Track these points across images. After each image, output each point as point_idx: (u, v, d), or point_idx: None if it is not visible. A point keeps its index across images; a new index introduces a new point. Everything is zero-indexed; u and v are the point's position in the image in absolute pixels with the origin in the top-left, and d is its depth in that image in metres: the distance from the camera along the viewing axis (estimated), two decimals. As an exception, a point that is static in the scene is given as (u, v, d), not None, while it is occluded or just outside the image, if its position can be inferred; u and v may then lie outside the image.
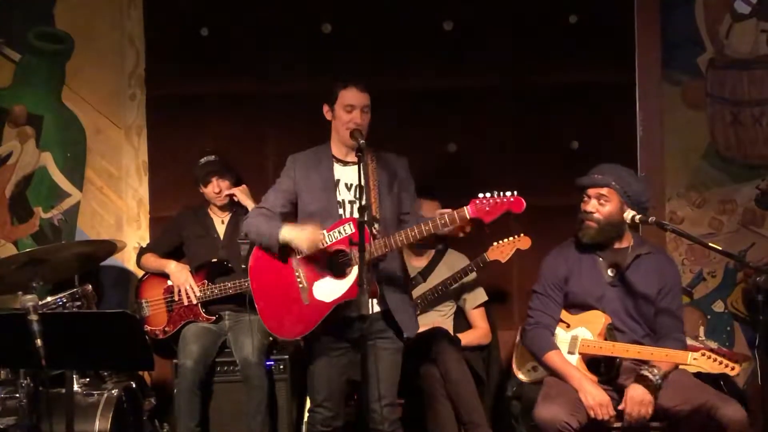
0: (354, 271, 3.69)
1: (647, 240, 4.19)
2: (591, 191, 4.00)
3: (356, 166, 3.81)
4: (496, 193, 3.69)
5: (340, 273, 3.78)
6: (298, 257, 3.79)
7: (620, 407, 3.89)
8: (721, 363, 3.76)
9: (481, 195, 3.69)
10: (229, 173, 4.78)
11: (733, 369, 3.77)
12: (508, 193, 3.68)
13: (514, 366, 4.33)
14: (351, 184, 3.84)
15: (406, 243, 3.75)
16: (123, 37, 5.20)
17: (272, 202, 3.93)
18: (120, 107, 5.23)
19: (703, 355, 3.78)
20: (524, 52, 5.20)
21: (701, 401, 3.82)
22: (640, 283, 4.04)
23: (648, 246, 4.14)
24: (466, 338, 4.71)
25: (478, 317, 4.83)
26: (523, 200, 3.68)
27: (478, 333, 4.80)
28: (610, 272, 4.07)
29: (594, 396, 3.86)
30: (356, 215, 3.54)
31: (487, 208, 3.67)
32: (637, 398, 3.83)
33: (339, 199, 3.86)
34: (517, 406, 4.01)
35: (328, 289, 3.78)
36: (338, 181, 3.86)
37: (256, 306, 3.86)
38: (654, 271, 4.07)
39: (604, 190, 3.98)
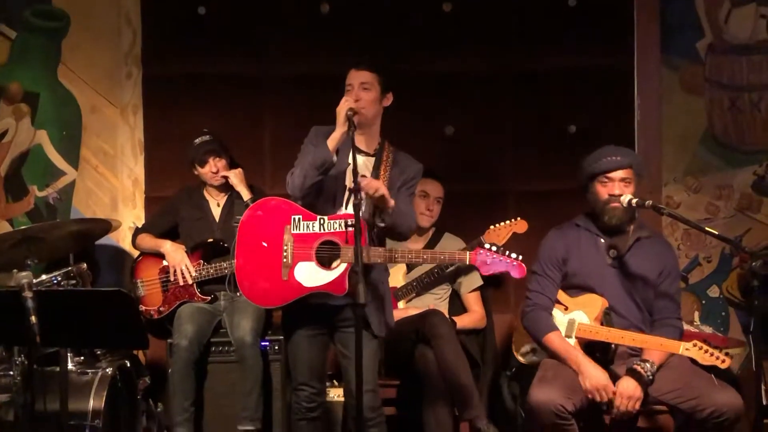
0: (340, 267, 3.71)
1: (646, 223, 4.19)
2: (614, 175, 3.99)
3: (366, 156, 3.87)
4: (501, 249, 3.78)
5: (325, 263, 3.77)
6: (293, 232, 3.78)
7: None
8: (712, 355, 3.76)
9: (487, 246, 3.79)
10: (225, 153, 4.77)
11: (723, 362, 3.77)
12: (513, 255, 3.77)
13: (513, 348, 4.35)
14: (357, 173, 3.80)
15: (404, 261, 3.82)
16: (120, 15, 5.17)
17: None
18: (116, 86, 5.20)
19: (695, 345, 3.78)
20: (523, 34, 5.17)
21: (697, 387, 3.83)
22: (640, 265, 4.05)
23: (648, 230, 4.16)
24: (461, 322, 4.71)
25: (473, 301, 4.84)
26: (525, 268, 3.79)
27: (473, 317, 4.80)
28: (610, 254, 4.08)
29: (594, 378, 3.86)
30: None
31: (488, 262, 3.77)
32: (627, 393, 3.83)
33: (347, 184, 3.83)
34: (515, 387, 4.01)
35: (310, 275, 3.77)
36: (348, 165, 3.81)
37: (235, 261, 3.84)
38: (654, 254, 4.08)
39: (626, 172, 4.00)
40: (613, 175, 3.99)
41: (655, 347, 3.89)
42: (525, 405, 3.87)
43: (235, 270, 3.86)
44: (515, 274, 3.76)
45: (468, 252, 3.80)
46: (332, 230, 3.75)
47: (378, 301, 3.86)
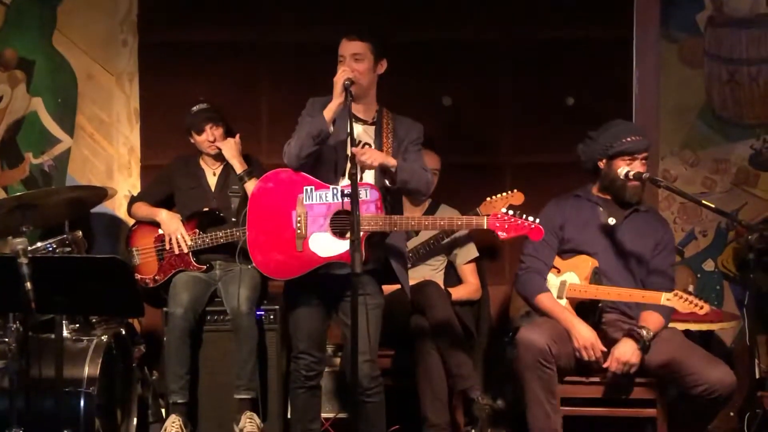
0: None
1: (644, 198, 4.23)
2: (639, 155, 4.06)
3: (365, 125, 3.87)
4: (518, 213, 3.75)
5: (340, 233, 3.77)
6: (306, 204, 3.78)
7: (605, 365, 3.95)
8: (690, 303, 3.82)
9: (504, 210, 3.77)
10: (222, 121, 4.75)
11: (701, 308, 3.82)
12: (530, 218, 3.75)
13: (510, 313, 4.39)
14: (359, 141, 3.81)
15: (416, 229, 3.82)
16: (116, -19, 5.14)
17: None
18: (112, 53, 5.17)
19: (675, 295, 3.84)
20: (522, 6, 5.15)
21: (690, 362, 3.86)
22: (635, 236, 4.11)
23: (645, 204, 4.22)
24: (457, 293, 4.72)
25: (468, 272, 4.84)
26: (543, 230, 3.76)
27: (468, 288, 4.80)
28: (610, 220, 4.13)
29: (583, 337, 3.94)
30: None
31: (506, 226, 3.76)
32: (623, 358, 3.90)
33: (348, 153, 3.82)
34: (513, 352, 4.06)
35: (325, 245, 3.78)
36: (346, 134, 3.81)
37: (247, 234, 3.85)
38: (650, 227, 4.15)
39: (647, 152, 4.09)
40: (638, 155, 4.07)
41: (638, 299, 3.97)
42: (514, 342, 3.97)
43: (246, 242, 3.85)
44: (533, 237, 3.77)
45: (485, 217, 3.79)
46: (345, 200, 3.74)
47: (403, 263, 3.92)
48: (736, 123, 5.19)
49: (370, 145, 3.85)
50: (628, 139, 4.07)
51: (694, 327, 4.55)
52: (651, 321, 3.96)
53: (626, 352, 3.90)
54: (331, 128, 3.71)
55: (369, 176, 3.83)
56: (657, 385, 4.02)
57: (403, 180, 3.76)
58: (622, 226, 4.13)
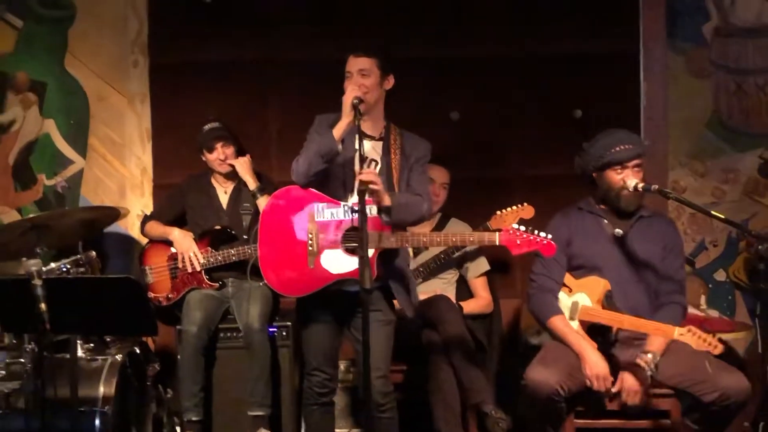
0: (369, 253, 3.67)
1: (647, 204, 4.20)
2: (630, 163, 4.02)
3: (373, 141, 3.87)
4: (530, 228, 3.75)
5: (352, 250, 3.78)
6: (317, 221, 3.80)
7: (614, 389, 3.94)
8: (705, 341, 3.74)
9: (515, 225, 3.76)
10: (233, 140, 4.78)
11: (715, 347, 3.75)
12: (543, 234, 3.74)
13: (522, 327, 4.38)
14: (366, 157, 3.80)
15: (428, 246, 3.82)
16: (126, 4, 5.18)
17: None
18: (123, 74, 5.22)
19: (689, 331, 3.76)
20: (529, 19, 5.17)
21: (702, 369, 3.85)
22: (643, 244, 4.09)
23: (650, 210, 4.20)
24: (468, 307, 4.73)
25: (480, 286, 4.85)
26: (554, 246, 3.75)
27: (480, 302, 4.81)
28: (615, 233, 4.11)
29: (595, 366, 3.91)
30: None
31: (518, 241, 3.74)
32: (633, 389, 3.91)
33: (356, 170, 3.83)
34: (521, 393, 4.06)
35: (337, 262, 3.79)
36: (356, 151, 3.82)
37: (259, 251, 3.86)
38: (657, 232, 4.13)
39: (640, 159, 4.04)
40: (629, 164, 4.03)
41: (651, 332, 3.92)
42: (521, 381, 3.93)
43: (258, 260, 3.87)
44: (545, 252, 3.76)
45: (497, 233, 3.78)
46: (355, 217, 3.75)
47: (405, 282, 3.90)
48: (744, 132, 5.18)
49: (377, 162, 3.87)
50: (617, 148, 4.02)
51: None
52: (656, 344, 3.95)
53: (633, 384, 3.91)
54: (340, 147, 3.73)
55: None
56: (671, 396, 4.01)
57: (398, 219, 3.77)
58: (629, 235, 4.11)
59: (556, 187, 4.98)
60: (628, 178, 4.02)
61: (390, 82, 3.90)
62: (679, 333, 3.79)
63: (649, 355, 3.91)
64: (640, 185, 3.99)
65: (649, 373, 3.90)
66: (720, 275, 5.22)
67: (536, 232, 3.75)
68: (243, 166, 4.72)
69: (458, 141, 5.15)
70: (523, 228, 3.75)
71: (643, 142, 4.18)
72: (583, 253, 4.12)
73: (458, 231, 4.79)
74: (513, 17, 5.17)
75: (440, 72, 5.18)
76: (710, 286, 5.21)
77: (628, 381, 3.92)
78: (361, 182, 3.56)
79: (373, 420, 3.76)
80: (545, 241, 3.74)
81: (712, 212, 4.01)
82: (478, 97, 5.19)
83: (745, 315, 5.16)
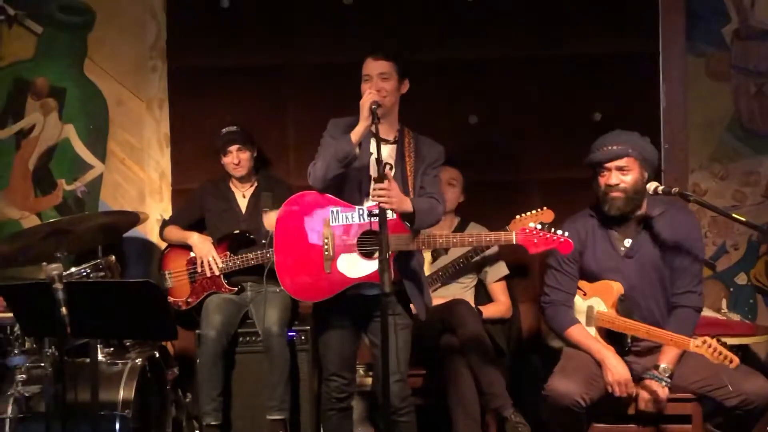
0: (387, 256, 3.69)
1: (658, 199, 4.05)
2: (610, 164, 3.93)
3: (387, 145, 3.86)
4: (547, 226, 3.76)
5: (368, 254, 3.78)
6: (333, 225, 3.80)
7: (637, 401, 3.95)
8: (720, 354, 3.68)
9: (532, 225, 3.77)
10: (250, 145, 4.79)
11: (731, 362, 3.69)
12: (559, 232, 3.75)
13: (543, 330, 4.38)
14: (382, 161, 3.71)
15: (445, 246, 3.83)
16: (144, 8, 5.20)
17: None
18: (141, 79, 5.24)
19: (704, 343, 3.69)
20: (547, 21, 5.15)
21: (725, 373, 3.82)
22: (654, 248, 4.02)
23: (661, 206, 4.05)
24: (487, 311, 4.71)
25: (499, 291, 4.83)
26: (572, 243, 3.75)
27: (499, 307, 4.79)
28: (625, 243, 4.05)
29: (616, 373, 3.89)
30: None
31: (535, 240, 3.75)
32: (649, 399, 3.91)
33: (371, 173, 3.83)
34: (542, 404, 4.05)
35: (353, 266, 3.79)
36: (371, 154, 3.82)
37: (275, 258, 3.85)
38: (669, 230, 4.02)
39: (623, 161, 3.92)
40: (609, 165, 3.94)
41: (666, 342, 3.88)
42: (542, 390, 3.91)
43: (274, 265, 3.87)
44: (562, 250, 3.76)
45: (514, 232, 3.79)
46: (372, 220, 3.76)
47: (419, 284, 3.89)
48: (765, 135, 5.15)
49: (391, 166, 3.86)
50: (603, 149, 3.95)
51: (727, 342, 4.49)
52: (668, 356, 3.93)
53: (653, 393, 3.90)
54: (358, 150, 3.72)
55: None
56: (693, 401, 3.99)
57: (419, 224, 3.75)
58: (638, 242, 4.03)
59: (575, 191, 4.94)
60: (611, 180, 3.93)
61: (406, 87, 3.90)
62: (694, 345, 3.73)
63: (662, 366, 3.90)
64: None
65: (664, 384, 3.89)
66: (741, 279, 5.19)
67: (552, 230, 3.76)
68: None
69: (476, 144, 5.14)
70: (539, 227, 3.75)
71: (638, 144, 3.98)
72: (594, 267, 4.07)
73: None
74: (532, 19, 5.16)
75: (458, 75, 5.17)
76: (731, 289, 5.18)
77: (644, 392, 3.91)
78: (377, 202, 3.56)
79: (391, 424, 3.75)
80: (562, 239, 3.74)
81: (733, 215, 3.99)
82: (497, 100, 5.18)
83: (766, 318, 5.13)
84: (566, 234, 3.75)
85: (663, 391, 3.88)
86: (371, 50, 3.87)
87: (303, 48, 5.20)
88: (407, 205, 3.68)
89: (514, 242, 3.77)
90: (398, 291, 3.82)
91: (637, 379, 3.97)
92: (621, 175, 3.92)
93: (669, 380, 3.90)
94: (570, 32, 5.15)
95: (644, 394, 3.92)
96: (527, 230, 3.75)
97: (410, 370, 4.07)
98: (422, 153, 3.90)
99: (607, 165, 3.94)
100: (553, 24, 5.16)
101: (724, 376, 3.82)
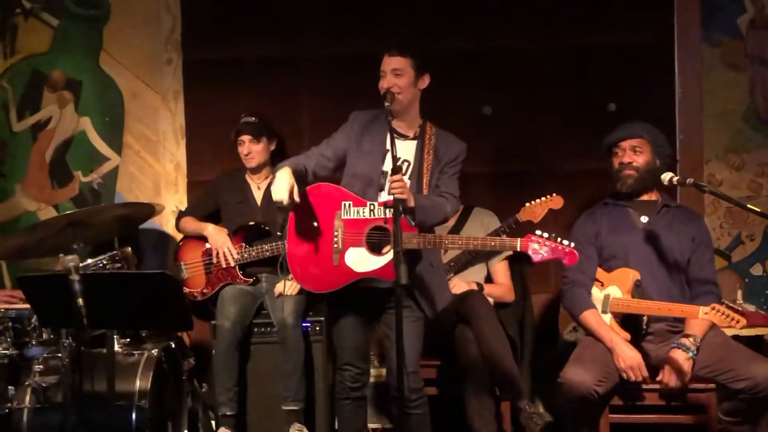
0: (391, 252, 3.68)
1: (673, 196, 4.30)
2: (625, 144, 4.17)
3: (407, 141, 3.87)
4: (553, 236, 3.71)
5: (376, 249, 3.80)
6: (343, 218, 3.81)
7: (659, 378, 3.97)
8: (728, 317, 3.77)
9: (538, 232, 3.72)
10: (265, 137, 4.80)
11: (738, 322, 3.77)
12: (566, 242, 3.71)
13: (560, 325, 4.43)
14: (399, 158, 3.76)
15: (449, 247, 3.84)
16: (159, 1, 5.22)
17: (325, 151, 3.96)
18: (157, 72, 5.25)
19: (713, 308, 3.81)
20: (562, 12, 5.13)
21: (732, 359, 3.87)
22: (671, 230, 4.15)
23: (675, 202, 4.30)
24: (488, 289, 4.69)
25: (500, 272, 4.80)
26: (577, 255, 3.72)
27: (500, 288, 4.76)
28: (642, 219, 4.18)
29: (627, 358, 3.92)
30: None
31: (540, 248, 3.71)
32: (676, 367, 3.91)
33: (384, 169, 3.86)
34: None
35: (361, 260, 3.81)
36: (387, 151, 3.83)
37: (287, 247, 3.89)
38: (685, 221, 4.20)
39: (636, 141, 4.17)
40: (623, 144, 4.17)
41: (677, 314, 3.97)
42: (557, 379, 3.93)
43: (286, 255, 3.89)
44: (567, 261, 3.72)
45: (519, 239, 3.74)
46: (382, 215, 3.77)
47: (429, 282, 3.88)
48: (781, 126, 5.14)
49: (409, 163, 3.87)
50: (617, 131, 4.22)
51: (742, 332, 4.48)
52: (696, 325, 3.97)
53: (678, 365, 3.90)
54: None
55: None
56: (709, 391, 4.00)
57: (420, 221, 3.76)
58: (655, 223, 4.16)
59: (589, 181, 4.96)
60: (624, 158, 4.15)
61: (425, 82, 3.90)
62: (703, 312, 3.83)
63: (691, 338, 3.92)
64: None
65: (690, 355, 3.90)
66: (756, 269, 5.17)
67: (559, 239, 3.71)
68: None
69: (490, 135, 5.13)
70: (546, 234, 3.71)
71: (653, 130, 4.22)
72: (611, 243, 4.17)
73: (485, 218, 4.79)
74: (546, 9, 5.13)
75: (472, 66, 5.16)
76: (746, 280, 5.16)
77: (671, 363, 3.92)
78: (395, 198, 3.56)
79: (404, 416, 3.77)
80: (567, 249, 3.70)
81: (749, 206, 3.98)
82: (511, 91, 5.17)
83: (782, 309, 5.11)
84: (572, 245, 3.71)
85: (687, 364, 3.90)
86: (388, 47, 3.89)
87: (317, 39, 5.20)
88: (410, 200, 3.69)
89: (518, 249, 3.73)
90: (410, 285, 3.82)
91: (653, 367, 3.97)
92: (634, 155, 4.16)
93: (696, 352, 3.90)
94: (585, 23, 5.13)
95: (667, 366, 3.92)
96: (533, 238, 3.71)
97: (424, 360, 4.08)
98: (441, 151, 3.90)
99: (622, 144, 4.18)
100: (567, 14, 5.13)
101: (733, 355, 3.89)
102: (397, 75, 3.82)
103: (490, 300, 4.61)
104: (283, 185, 3.68)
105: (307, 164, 3.89)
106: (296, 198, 3.72)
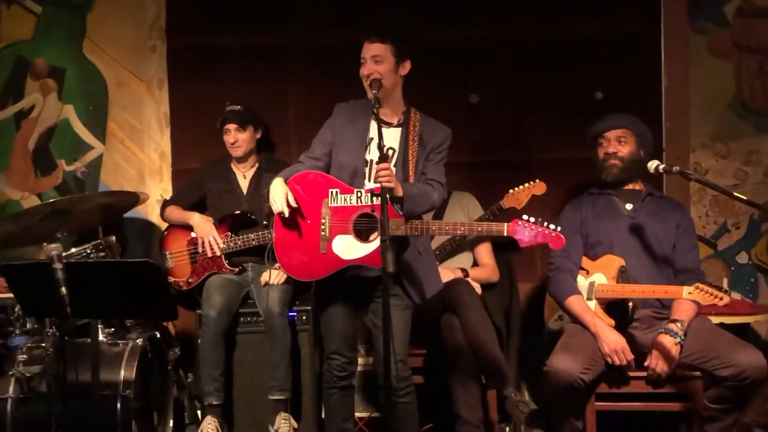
0: (378, 240, 3.66)
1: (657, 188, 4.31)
2: (609, 134, 4.24)
3: (391, 128, 3.85)
4: (539, 220, 3.72)
5: (363, 236, 3.79)
6: (331, 206, 3.79)
7: (646, 363, 3.97)
8: (711, 295, 3.82)
9: (525, 217, 3.72)
10: (250, 126, 4.78)
11: (721, 299, 3.81)
12: (552, 226, 3.72)
13: (546, 314, 4.43)
14: (384, 146, 3.69)
15: (435, 233, 3.86)
16: (143, -12, 5.19)
17: (313, 152, 3.96)
18: (141, 59, 5.22)
19: (696, 288, 3.85)
20: (548, 0, 5.12)
21: (718, 344, 3.90)
22: (655, 218, 4.20)
23: (659, 192, 4.37)
24: (473, 273, 4.68)
25: (483, 253, 4.78)
26: (563, 239, 3.72)
27: (485, 270, 4.75)
28: (627, 206, 4.22)
29: (611, 342, 3.95)
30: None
31: (526, 233, 3.72)
32: (663, 352, 3.91)
33: (368, 158, 3.85)
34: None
35: (348, 247, 3.80)
36: (371, 139, 3.83)
37: (274, 235, 3.89)
38: (669, 209, 4.25)
39: (621, 132, 4.23)
40: (608, 135, 4.24)
41: (661, 295, 4.01)
42: (544, 367, 3.95)
43: (273, 243, 3.88)
44: (553, 245, 3.73)
45: (506, 224, 3.74)
46: (369, 203, 3.76)
47: (417, 269, 3.87)
48: (766, 113, 5.13)
49: (394, 150, 3.85)
50: (601, 121, 4.28)
51: (728, 320, 4.52)
52: (683, 310, 3.98)
53: (664, 347, 3.91)
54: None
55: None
56: (696, 379, 4.01)
57: (408, 210, 3.74)
58: (639, 211, 4.21)
59: (576, 170, 4.96)
60: (609, 149, 4.21)
61: (406, 68, 3.88)
62: (687, 292, 3.87)
63: (678, 324, 3.93)
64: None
65: (678, 340, 3.91)
66: (742, 257, 5.19)
67: (545, 223, 3.72)
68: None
69: (477, 123, 5.12)
70: (532, 219, 3.72)
71: (636, 121, 4.28)
72: (596, 230, 4.22)
73: (465, 202, 4.78)
74: (533, -1, 5.13)
75: (458, 54, 5.15)
76: (732, 268, 5.17)
77: (658, 347, 3.93)
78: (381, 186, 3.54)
79: (391, 404, 3.76)
80: (554, 233, 3.71)
81: (735, 194, 3.99)
82: (497, 80, 5.16)
83: (767, 297, 5.12)
84: (558, 228, 3.72)
85: (675, 349, 3.91)
86: (367, 33, 3.85)
87: (303, 28, 5.17)
88: (398, 190, 3.67)
89: (505, 234, 3.73)
90: (397, 273, 3.81)
91: (640, 354, 3.98)
92: (619, 145, 4.21)
93: (683, 338, 3.91)
94: (570, 11, 5.12)
95: (655, 351, 3.93)
96: (519, 222, 3.72)
97: (411, 349, 4.08)
98: (426, 137, 3.88)
99: (607, 135, 4.25)
100: (554, 2, 5.12)
101: (718, 342, 3.90)
102: (377, 62, 3.79)
103: (477, 285, 4.60)
104: (279, 197, 3.78)
105: (300, 171, 3.89)
106: (293, 204, 3.81)
